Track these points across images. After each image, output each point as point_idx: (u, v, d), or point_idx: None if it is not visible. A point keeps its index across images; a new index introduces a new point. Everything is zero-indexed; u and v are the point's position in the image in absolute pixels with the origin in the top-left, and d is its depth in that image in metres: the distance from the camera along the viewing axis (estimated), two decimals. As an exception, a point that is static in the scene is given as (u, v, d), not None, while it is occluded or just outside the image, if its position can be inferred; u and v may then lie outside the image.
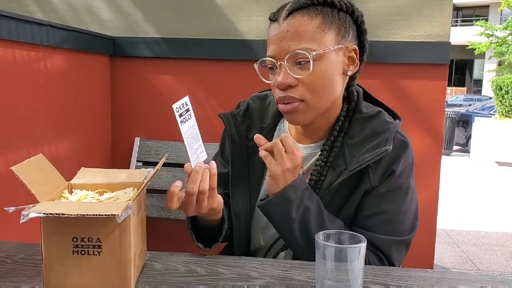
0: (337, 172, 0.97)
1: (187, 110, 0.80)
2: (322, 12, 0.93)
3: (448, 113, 9.38)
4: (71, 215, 0.68)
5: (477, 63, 27.68)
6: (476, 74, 28.52)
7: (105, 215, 0.68)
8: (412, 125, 1.81)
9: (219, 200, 0.92)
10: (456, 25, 26.17)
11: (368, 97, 1.08)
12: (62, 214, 0.68)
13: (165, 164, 1.85)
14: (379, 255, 0.96)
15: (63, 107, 1.61)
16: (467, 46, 17.02)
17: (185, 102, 0.79)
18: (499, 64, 18.94)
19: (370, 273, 0.85)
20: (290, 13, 0.92)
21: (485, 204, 5.11)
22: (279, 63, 0.93)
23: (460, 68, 28.71)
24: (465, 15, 28.08)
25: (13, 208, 0.72)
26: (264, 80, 0.98)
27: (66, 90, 1.63)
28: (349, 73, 0.98)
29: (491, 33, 15.46)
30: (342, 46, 0.95)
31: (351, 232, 0.72)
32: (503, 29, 15.36)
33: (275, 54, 0.93)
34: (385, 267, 0.92)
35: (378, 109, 1.03)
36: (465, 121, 9.64)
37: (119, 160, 1.95)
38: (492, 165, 7.75)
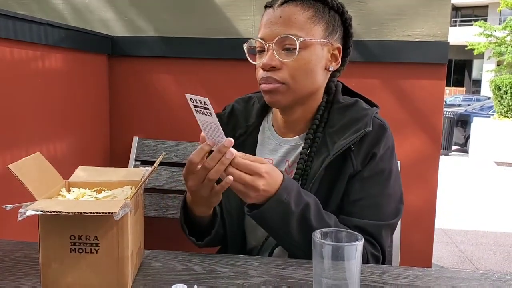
0: (320, 160, 1.00)
1: (206, 108, 0.79)
2: (314, 6, 0.99)
3: (447, 113, 9.40)
4: (69, 213, 0.68)
5: (476, 63, 27.70)
6: (475, 74, 28.55)
7: (103, 213, 0.68)
8: (410, 124, 1.81)
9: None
10: (455, 25, 26.20)
11: (347, 92, 1.13)
12: (60, 212, 0.68)
13: (163, 163, 1.85)
14: (370, 241, 0.97)
15: (61, 106, 1.61)
16: (466, 46, 17.03)
17: (204, 101, 0.79)
18: (498, 64, 18.96)
19: (368, 272, 0.85)
20: (285, 1, 0.98)
21: (484, 204, 5.12)
22: (267, 45, 0.98)
23: (459, 68, 28.72)
24: (464, 15, 28.10)
25: (10, 206, 0.72)
26: (250, 60, 1.03)
27: (64, 89, 1.62)
28: (331, 68, 1.03)
29: (490, 33, 15.47)
30: (328, 42, 1.00)
31: (348, 230, 0.72)
32: (502, 29, 15.37)
33: (265, 37, 0.99)
34: (382, 265, 0.93)
35: (355, 98, 1.07)
36: (463, 121, 9.65)
37: (117, 159, 1.95)
38: (491, 165, 7.76)
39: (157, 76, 1.94)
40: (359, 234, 0.70)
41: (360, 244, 0.68)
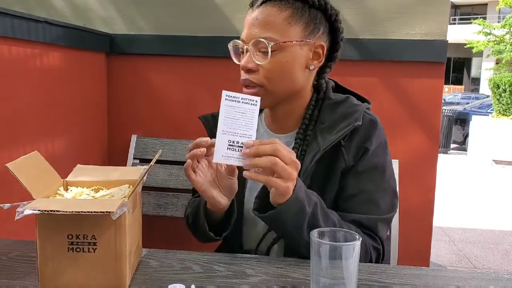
0: (311, 155, 1.00)
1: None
2: (293, 5, 0.98)
3: (446, 111, 9.40)
4: (66, 212, 0.68)
5: (475, 61, 27.70)
6: (473, 73, 28.55)
7: (100, 212, 0.68)
8: (408, 123, 1.81)
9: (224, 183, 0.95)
10: (454, 23, 26.18)
11: (341, 90, 1.13)
12: (57, 211, 0.68)
13: (162, 161, 1.85)
14: (371, 234, 0.98)
15: (60, 104, 1.60)
16: (465, 44, 17.02)
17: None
18: (497, 62, 18.95)
19: (365, 271, 0.85)
20: (264, 2, 0.99)
21: (482, 202, 5.13)
22: (245, 46, 0.99)
23: (458, 66, 28.73)
24: (463, 13, 28.08)
25: (8, 205, 0.72)
26: (235, 60, 1.04)
27: (63, 87, 1.62)
28: (312, 67, 1.02)
29: (489, 31, 15.46)
30: (309, 41, 0.99)
31: (346, 230, 0.72)
32: (501, 28, 15.36)
33: (244, 38, 1.00)
34: (379, 264, 0.93)
35: (346, 95, 1.08)
36: (462, 119, 9.65)
37: (116, 158, 1.95)
38: (489, 163, 7.77)
39: (156, 74, 1.94)
40: (357, 234, 0.70)
41: (357, 244, 0.68)
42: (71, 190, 0.84)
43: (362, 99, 1.08)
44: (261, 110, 1.14)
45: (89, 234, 0.72)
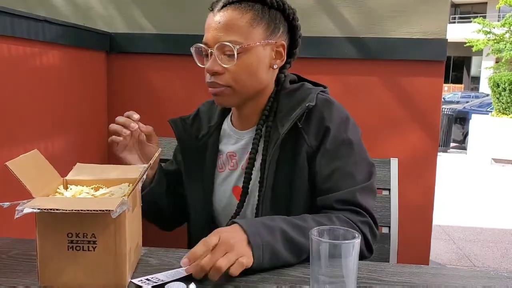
0: (273, 143, 1.03)
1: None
2: (253, 8, 1.01)
3: (446, 110, 9.39)
4: (66, 210, 0.68)
5: (474, 60, 27.69)
6: (473, 71, 28.55)
7: (100, 210, 0.68)
8: (408, 121, 1.81)
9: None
10: (454, 22, 26.17)
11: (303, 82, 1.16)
12: (57, 209, 0.68)
13: (161, 161, 1.84)
14: (355, 210, 0.98)
15: (59, 103, 1.60)
16: (465, 43, 17.01)
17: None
18: (497, 61, 18.94)
19: (365, 269, 0.85)
20: (225, 5, 1.01)
21: (482, 201, 5.13)
22: (209, 50, 1.01)
23: (458, 65, 28.71)
24: (463, 12, 28.07)
25: (7, 203, 0.72)
26: (198, 63, 1.07)
27: (62, 86, 1.62)
28: (275, 66, 1.06)
29: (488, 30, 15.45)
30: (271, 41, 1.03)
31: (346, 228, 0.72)
32: (500, 26, 15.35)
33: (208, 42, 1.02)
34: (379, 262, 0.93)
35: (301, 82, 1.11)
36: (462, 118, 9.64)
37: (115, 156, 1.94)
38: (489, 162, 7.77)
39: (156, 73, 1.93)
40: (356, 232, 0.70)
41: (357, 242, 0.68)
42: (70, 189, 0.84)
43: (319, 86, 1.12)
44: (228, 110, 1.19)
45: (89, 233, 0.72)
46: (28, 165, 0.78)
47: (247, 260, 0.80)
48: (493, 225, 4.15)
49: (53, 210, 0.68)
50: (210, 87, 1.04)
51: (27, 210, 0.67)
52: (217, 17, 1.00)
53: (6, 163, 0.73)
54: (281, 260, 0.86)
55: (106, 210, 0.68)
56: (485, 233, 3.94)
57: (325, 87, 1.11)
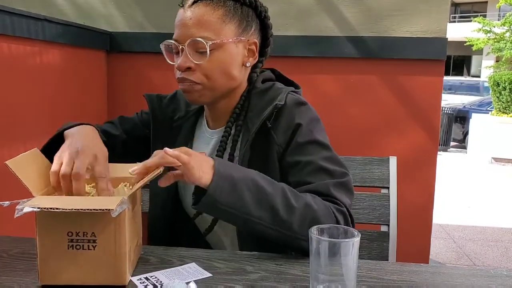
0: (244, 142, 1.02)
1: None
2: (225, 4, 0.99)
3: (446, 109, 9.39)
4: (66, 209, 0.68)
5: (474, 59, 27.67)
6: (473, 70, 28.52)
7: (100, 210, 0.68)
8: (408, 120, 1.81)
9: None
10: (454, 21, 26.15)
11: (283, 80, 1.14)
12: (57, 208, 0.68)
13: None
14: (330, 200, 0.95)
15: (59, 102, 1.60)
16: (465, 42, 17.00)
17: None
18: (497, 60, 18.92)
19: (364, 267, 0.86)
20: (195, 1, 0.98)
21: (482, 200, 5.13)
22: (180, 46, 0.99)
23: (458, 64, 28.70)
24: (463, 11, 28.04)
25: (7, 202, 0.72)
26: (168, 61, 1.03)
27: (62, 85, 1.62)
28: (248, 64, 1.04)
29: (489, 29, 15.44)
30: (243, 38, 1.01)
31: (345, 227, 0.73)
32: (501, 25, 15.33)
33: (178, 38, 0.99)
34: (379, 261, 0.93)
35: (273, 82, 1.09)
36: (462, 117, 9.63)
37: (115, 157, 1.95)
38: (489, 161, 7.77)
39: (156, 72, 1.94)
40: (355, 230, 0.70)
41: (356, 240, 0.68)
42: (71, 188, 0.84)
43: (293, 85, 1.11)
44: (202, 110, 1.16)
45: (89, 232, 0.72)
46: (28, 164, 0.78)
47: (206, 178, 0.83)
48: (493, 224, 4.14)
49: (53, 209, 0.68)
50: (180, 82, 1.01)
51: (27, 209, 0.67)
52: (188, 13, 0.98)
53: (6, 162, 0.73)
54: (241, 202, 0.85)
55: (106, 209, 0.68)
56: (485, 232, 3.94)
57: (297, 87, 1.10)
